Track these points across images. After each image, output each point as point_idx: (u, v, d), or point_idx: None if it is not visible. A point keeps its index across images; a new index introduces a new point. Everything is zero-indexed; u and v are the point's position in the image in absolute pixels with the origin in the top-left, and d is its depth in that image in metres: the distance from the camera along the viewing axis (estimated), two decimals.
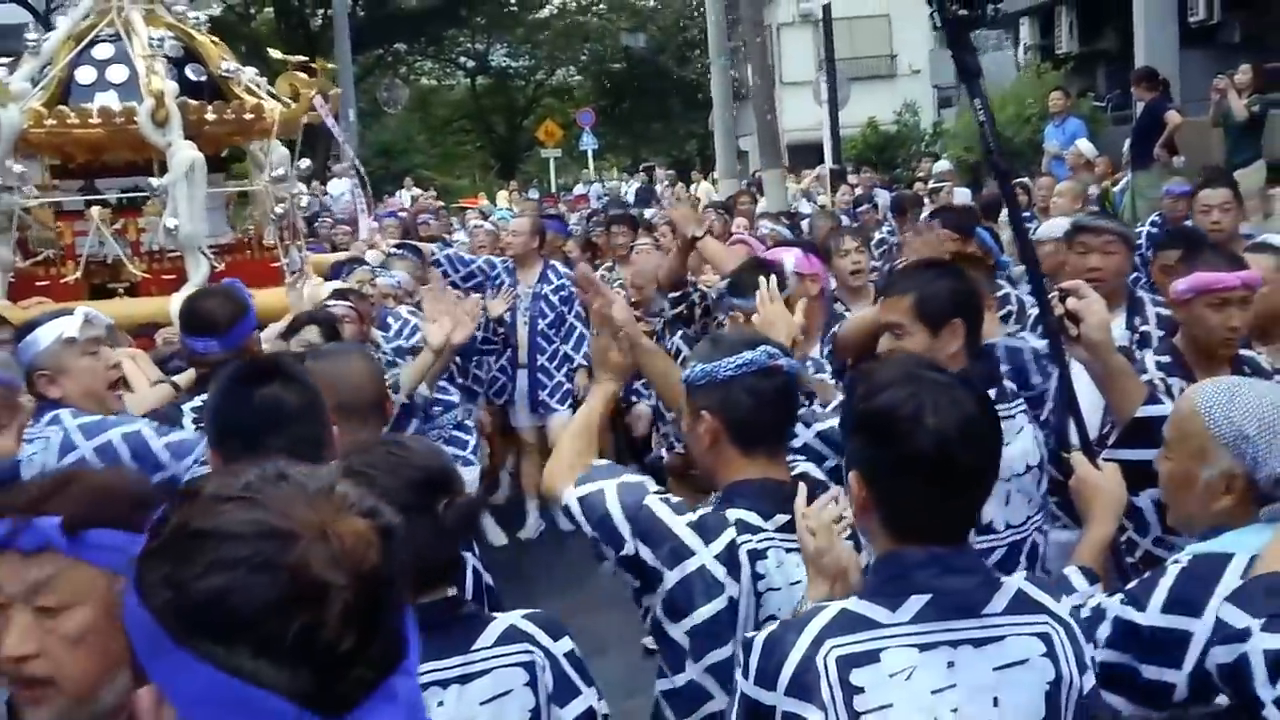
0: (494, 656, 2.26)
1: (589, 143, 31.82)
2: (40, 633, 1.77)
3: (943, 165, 16.29)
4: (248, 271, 6.15)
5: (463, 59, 44.01)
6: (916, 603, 2.03)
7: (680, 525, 2.57)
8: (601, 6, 41.69)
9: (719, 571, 2.52)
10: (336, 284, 6.32)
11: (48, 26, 30.31)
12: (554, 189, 29.61)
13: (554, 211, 14.91)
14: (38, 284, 6.31)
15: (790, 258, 4.73)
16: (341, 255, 8.02)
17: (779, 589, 2.56)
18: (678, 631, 2.54)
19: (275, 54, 7.41)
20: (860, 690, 1.98)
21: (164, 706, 1.13)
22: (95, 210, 6.29)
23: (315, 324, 4.80)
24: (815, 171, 18.91)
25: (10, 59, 6.75)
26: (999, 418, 2.17)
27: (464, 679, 2.21)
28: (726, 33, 21.15)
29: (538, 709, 2.26)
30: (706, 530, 2.56)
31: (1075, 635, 2.12)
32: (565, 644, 2.35)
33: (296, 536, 1.09)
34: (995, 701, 2.01)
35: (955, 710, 1.99)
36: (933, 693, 1.98)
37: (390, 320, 6.36)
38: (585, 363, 7.92)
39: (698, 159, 38.19)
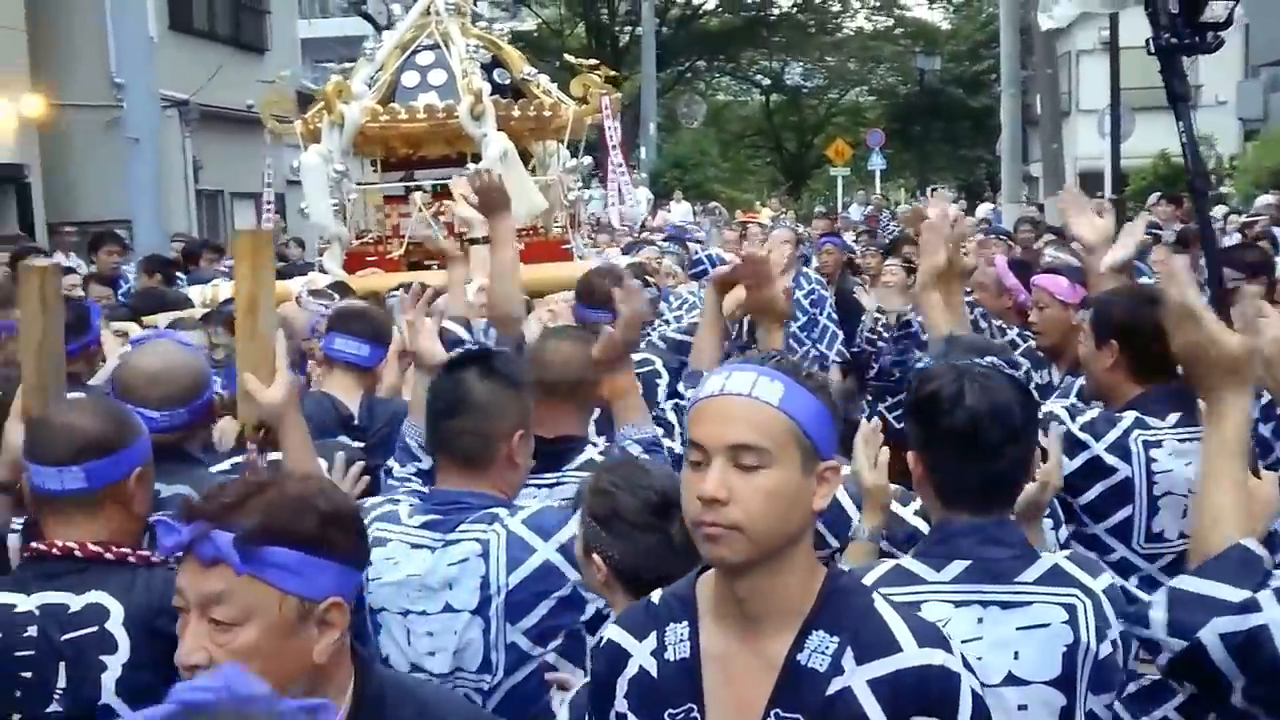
0: None
1: (877, 163, 32.05)
2: (211, 644, 1.80)
3: (1268, 199, 15.56)
4: (541, 251, 6.91)
5: (759, 76, 44.66)
6: (957, 567, 2.39)
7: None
8: (898, 32, 41.68)
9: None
10: (630, 258, 7.05)
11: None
12: (840, 207, 30.02)
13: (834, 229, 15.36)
14: (367, 259, 7.17)
15: (1056, 284, 4.90)
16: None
17: None
18: None
19: (570, 58, 8.32)
20: None
21: None
22: (417, 195, 7.14)
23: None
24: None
25: (347, 65, 7.84)
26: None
27: None
28: (1020, 61, 21.17)
29: None
30: None
31: (1102, 608, 2.41)
32: None
33: None
34: (1015, 655, 2.35)
35: (980, 659, 2.28)
36: (961, 641, 2.22)
37: (671, 298, 6.93)
38: (838, 360, 8.48)
39: (986, 182, 37.82)
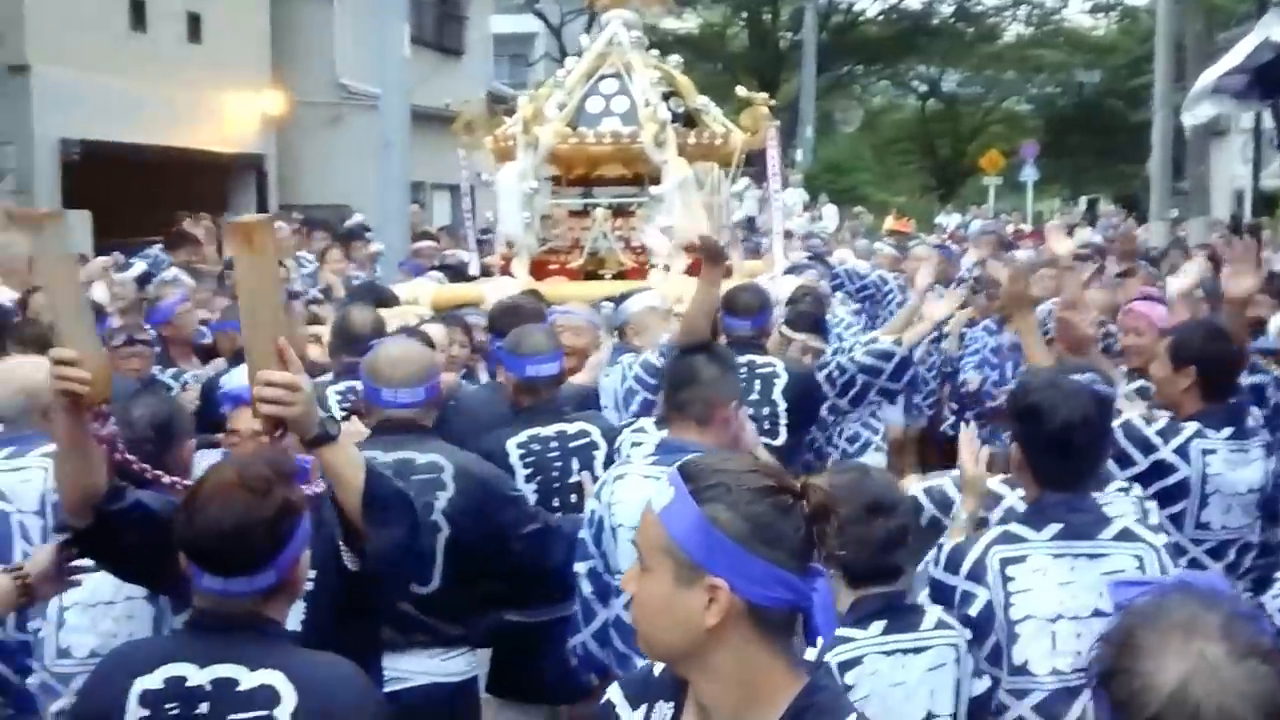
0: (935, 637, 2.99)
1: (1029, 174, 32.01)
2: None
3: None
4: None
5: (915, 82, 44.59)
6: (1053, 528, 3.11)
7: None
8: (1060, 39, 41.38)
9: None
10: (796, 279, 7.62)
11: (558, 37, 33.58)
12: (992, 214, 29.96)
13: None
14: (550, 267, 7.83)
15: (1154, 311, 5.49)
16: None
17: None
18: None
19: (741, 91, 9.03)
20: (1013, 579, 3.08)
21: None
22: (599, 211, 7.89)
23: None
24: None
25: (536, 87, 8.57)
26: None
27: (909, 651, 2.93)
28: (1175, 84, 21.35)
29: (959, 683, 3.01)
30: None
31: (1161, 557, 3.12)
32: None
33: (793, 489, 1.80)
34: (1100, 594, 3.01)
35: (1074, 597, 3.05)
36: (1059, 584, 3.06)
37: (829, 320, 7.21)
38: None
39: (1141, 196, 37.45)
